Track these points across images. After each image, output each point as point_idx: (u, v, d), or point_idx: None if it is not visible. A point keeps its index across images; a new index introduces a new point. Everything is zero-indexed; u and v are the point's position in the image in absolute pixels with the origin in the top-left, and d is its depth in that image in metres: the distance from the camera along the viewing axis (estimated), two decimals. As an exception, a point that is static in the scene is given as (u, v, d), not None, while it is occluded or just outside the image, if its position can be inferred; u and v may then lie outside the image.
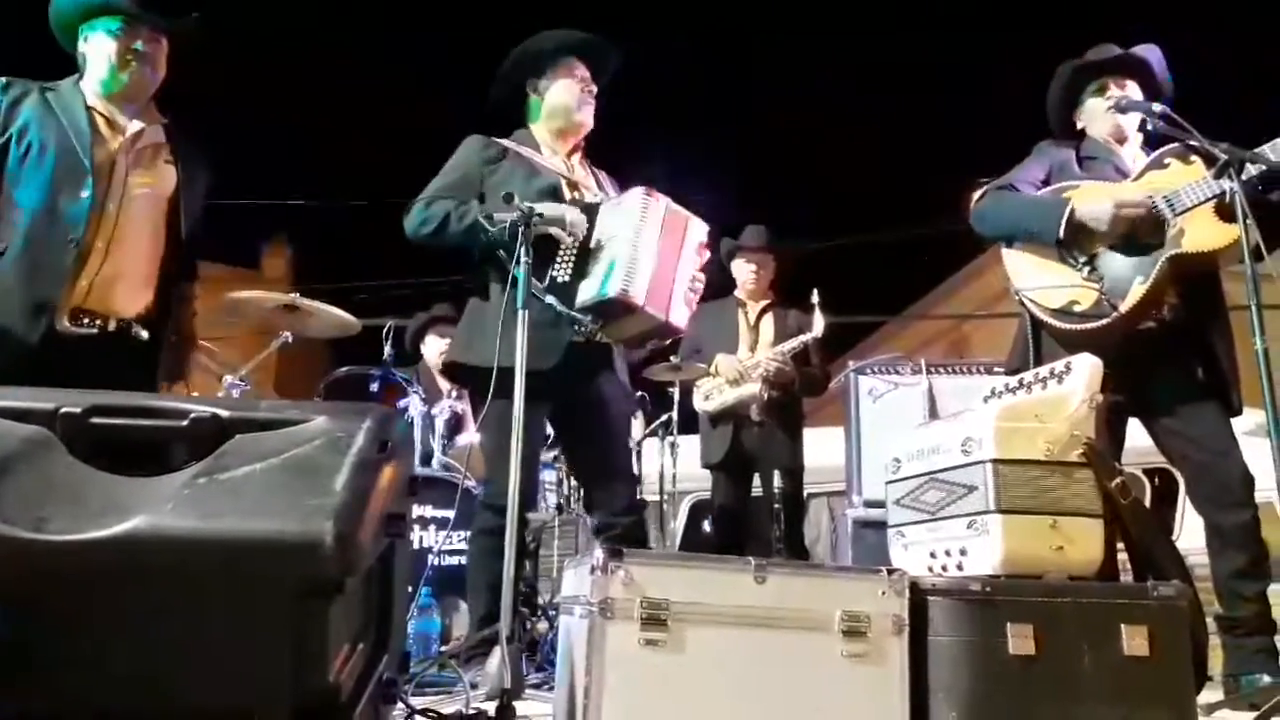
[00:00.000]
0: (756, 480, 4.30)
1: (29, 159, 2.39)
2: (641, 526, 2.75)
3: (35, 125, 2.42)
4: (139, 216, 2.47)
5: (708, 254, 2.74)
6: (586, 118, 2.85)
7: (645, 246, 2.55)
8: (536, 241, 2.44)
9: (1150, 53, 2.90)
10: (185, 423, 1.46)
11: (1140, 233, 2.66)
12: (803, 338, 4.24)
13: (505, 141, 2.85)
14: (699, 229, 2.70)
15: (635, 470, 2.87)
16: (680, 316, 2.64)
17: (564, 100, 2.85)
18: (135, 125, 2.52)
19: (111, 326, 2.41)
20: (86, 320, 2.39)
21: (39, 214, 2.36)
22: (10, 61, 2.55)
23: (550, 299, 2.56)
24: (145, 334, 2.47)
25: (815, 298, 4.25)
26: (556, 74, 2.86)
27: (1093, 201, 2.68)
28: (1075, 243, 2.71)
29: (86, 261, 2.37)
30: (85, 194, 2.37)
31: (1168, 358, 2.67)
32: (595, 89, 2.88)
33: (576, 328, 2.62)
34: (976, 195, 2.92)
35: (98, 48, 2.52)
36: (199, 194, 2.66)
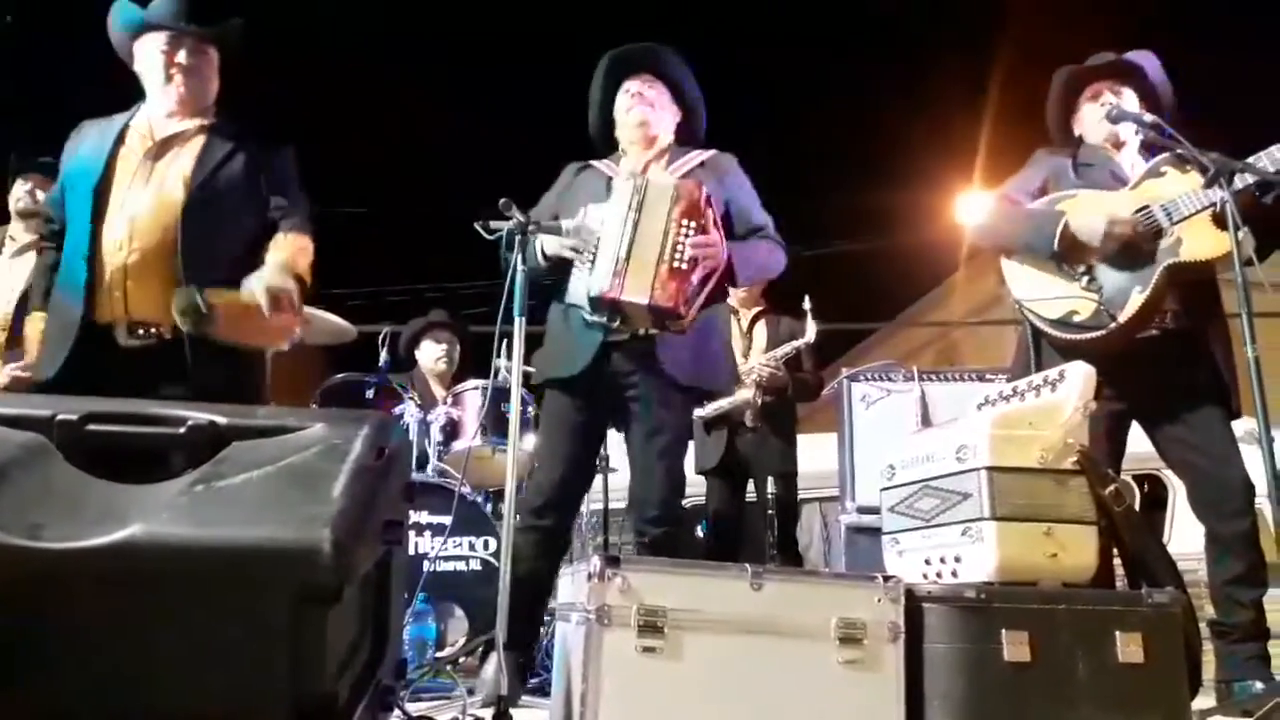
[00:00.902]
0: (750, 486, 4.31)
1: (69, 194, 2.47)
2: (671, 540, 2.63)
3: (79, 160, 2.48)
4: (157, 222, 2.41)
5: (703, 211, 2.61)
6: (640, 122, 2.87)
7: (622, 235, 2.55)
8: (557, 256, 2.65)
9: (1145, 59, 2.91)
10: (183, 430, 1.46)
11: (1138, 243, 2.66)
12: (795, 343, 4.25)
13: (594, 161, 2.93)
14: (680, 191, 2.60)
15: (677, 477, 2.73)
16: (669, 293, 2.54)
17: (620, 116, 2.93)
18: (171, 128, 2.51)
19: (168, 335, 2.36)
20: (141, 331, 2.36)
21: (73, 243, 2.42)
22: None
23: (578, 307, 2.64)
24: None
25: (807, 304, 4.26)
26: (612, 95, 2.95)
27: (1086, 216, 2.69)
28: (1071, 255, 2.72)
29: (109, 275, 2.35)
30: (87, 207, 2.38)
31: (1169, 365, 2.67)
32: (646, 92, 2.89)
33: (608, 328, 2.62)
34: (974, 207, 2.93)
35: (146, 66, 2.54)
36: (280, 174, 2.59)
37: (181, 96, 2.52)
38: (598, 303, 2.56)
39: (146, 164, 2.45)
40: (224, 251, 2.44)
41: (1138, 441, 2.79)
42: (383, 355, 4.12)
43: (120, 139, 2.49)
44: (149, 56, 2.53)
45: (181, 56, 2.51)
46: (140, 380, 2.26)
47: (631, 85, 2.90)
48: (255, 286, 2.28)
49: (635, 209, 2.58)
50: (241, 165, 2.52)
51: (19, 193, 3.46)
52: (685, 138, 2.97)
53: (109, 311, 2.36)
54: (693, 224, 2.56)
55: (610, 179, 2.77)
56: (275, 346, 2.53)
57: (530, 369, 2.76)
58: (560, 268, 2.69)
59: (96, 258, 2.37)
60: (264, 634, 1.30)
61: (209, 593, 1.31)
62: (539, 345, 2.86)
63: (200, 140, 2.51)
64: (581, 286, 2.61)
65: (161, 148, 2.48)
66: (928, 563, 2.18)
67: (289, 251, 2.44)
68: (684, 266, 2.55)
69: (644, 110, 2.86)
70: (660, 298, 2.53)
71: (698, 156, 2.87)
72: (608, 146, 2.98)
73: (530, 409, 3.57)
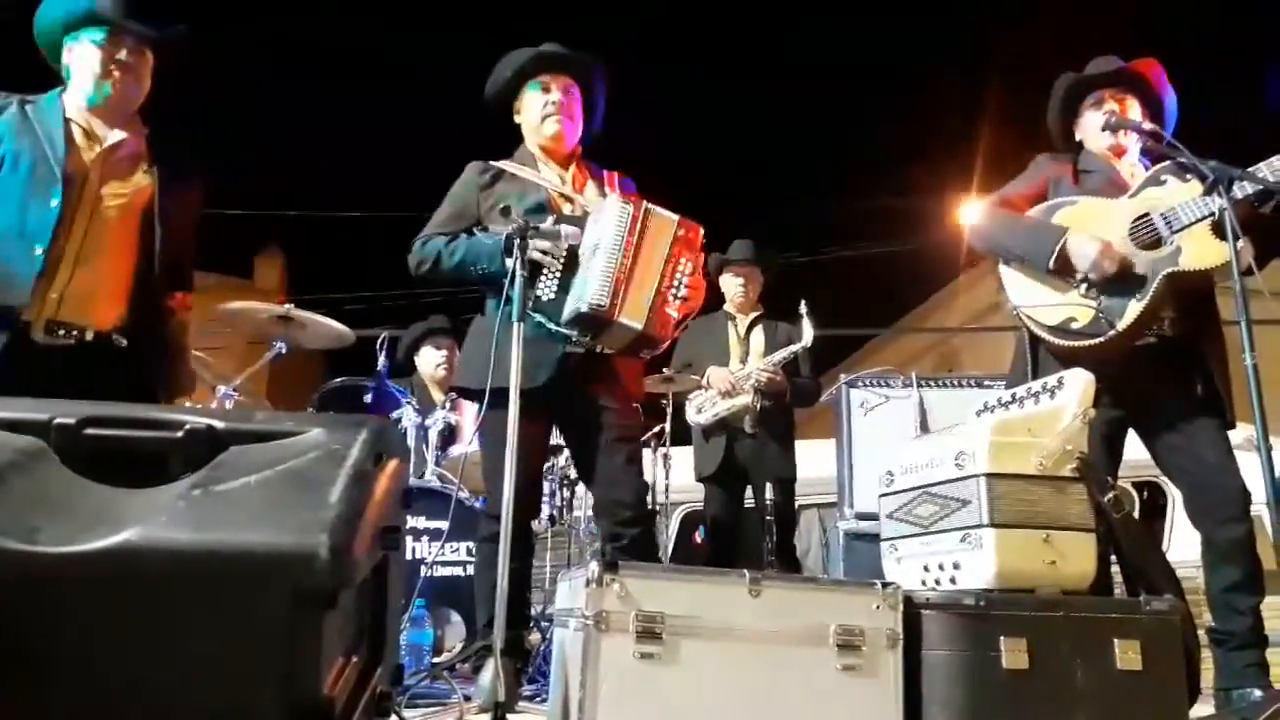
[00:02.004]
0: (748, 492, 4.30)
1: (2, 171, 2.37)
2: (650, 537, 2.72)
3: (10, 137, 2.39)
4: (111, 228, 2.41)
5: (699, 254, 2.69)
6: (556, 129, 2.86)
7: (620, 257, 2.55)
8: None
9: (1150, 68, 2.91)
10: (180, 434, 1.45)
11: (1130, 263, 2.66)
12: (792, 348, 4.25)
13: (502, 163, 2.88)
14: (684, 229, 2.66)
15: (644, 480, 2.80)
16: (661, 323, 2.60)
17: (532, 118, 2.89)
18: (114, 136, 2.48)
19: (89, 337, 2.37)
20: (62, 332, 2.34)
21: (8, 225, 2.33)
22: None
23: (539, 317, 2.58)
24: (124, 341, 2.42)
25: (804, 308, 4.26)
26: (523, 93, 2.92)
27: (1082, 240, 2.68)
28: (1067, 268, 2.72)
29: (56, 273, 2.33)
30: (54, 204, 2.33)
31: (1167, 373, 2.67)
32: (566, 101, 2.87)
33: (571, 341, 2.62)
34: (973, 210, 2.93)
35: (81, 58, 2.48)
36: (190, 205, 2.62)
37: (114, 96, 2.47)
38: (586, 317, 2.54)
39: (97, 170, 2.43)
40: (163, 267, 2.50)
41: (1137, 449, 2.79)
42: (381, 360, 4.13)
43: (68, 132, 2.42)
44: (83, 49, 2.47)
45: (122, 54, 2.46)
46: (49, 379, 2.23)
47: (553, 89, 2.88)
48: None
49: (634, 234, 2.59)
50: (185, 188, 2.59)
51: None
52: (583, 145, 2.99)
53: (35, 310, 2.32)
54: (689, 264, 2.65)
55: (548, 189, 2.79)
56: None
57: (459, 381, 2.81)
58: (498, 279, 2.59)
59: (52, 256, 2.32)
60: (260, 639, 1.30)
61: (205, 597, 1.30)
62: (472, 348, 2.85)
63: (144, 157, 2.53)
64: (550, 295, 2.60)
65: (109, 156, 2.46)
66: (926, 569, 2.17)
67: (181, 338, 2.66)
68: (677, 301, 2.62)
69: (562, 122, 2.86)
70: (653, 326, 2.58)
71: (613, 178, 2.93)
72: (504, 122, 2.98)
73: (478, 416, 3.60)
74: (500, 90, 2.95)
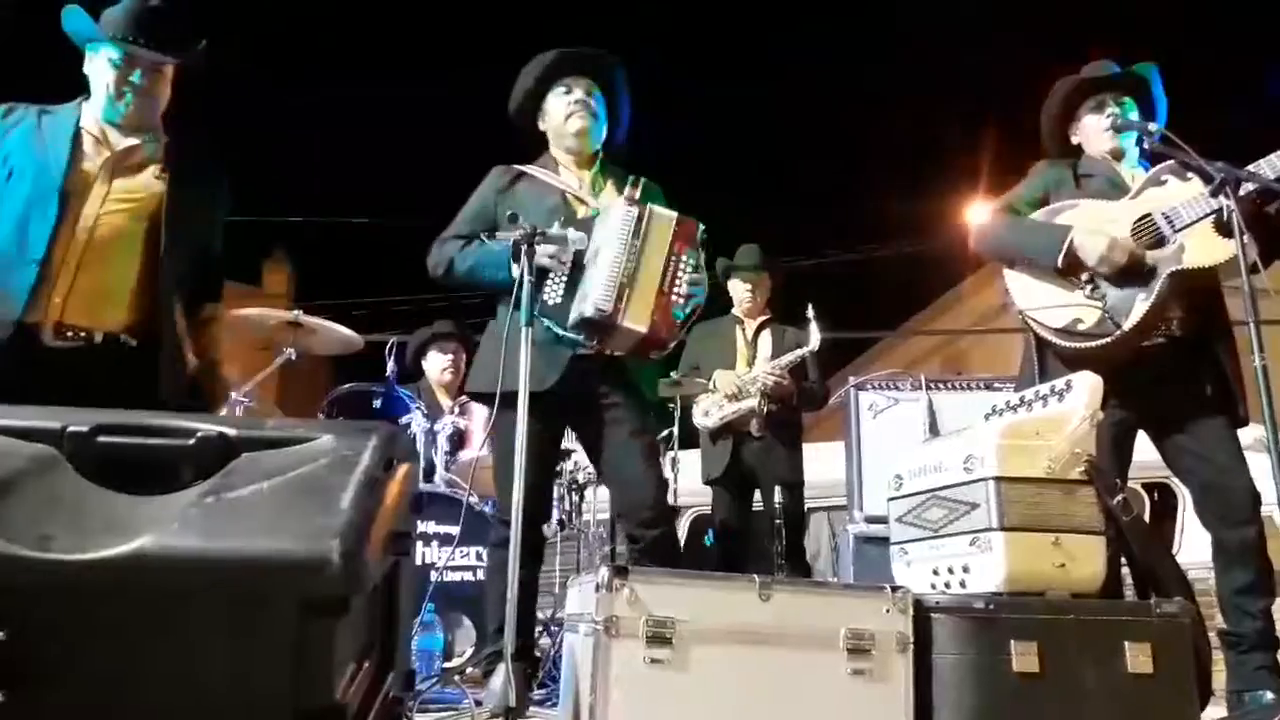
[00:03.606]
0: (757, 496, 4.30)
1: (10, 182, 2.38)
2: (670, 538, 2.70)
3: (20, 149, 2.40)
4: (118, 233, 2.41)
5: (698, 248, 2.67)
6: (580, 125, 2.86)
7: (623, 260, 2.56)
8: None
9: (1150, 72, 2.92)
10: (192, 441, 1.46)
11: (1139, 258, 2.66)
12: (799, 351, 4.24)
13: (524, 167, 2.90)
14: (681, 224, 2.65)
15: (663, 478, 2.79)
16: (666, 325, 2.59)
17: (555, 120, 2.90)
18: (127, 141, 2.48)
19: (98, 339, 2.38)
20: (70, 334, 2.35)
21: (8, 235, 2.34)
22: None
23: (547, 321, 2.58)
24: (134, 343, 2.42)
25: (811, 311, 4.25)
26: (547, 97, 2.92)
27: (1089, 236, 2.69)
28: (1074, 268, 2.72)
29: (56, 280, 2.33)
30: (52, 213, 2.34)
31: (1175, 373, 2.67)
32: (590, 101, 2.88)
33: (580, 345, 2.63)
34: (977, 216, 2.94)
35: (97, 74, 2.48)
36: (209, 209, 2.62)
37: (129, 115, 2.48)
38: (590, 322, 2.55)
39: (105, 176, 2.42)
40: (178, 273, 2.49)
41: (1147, 450, 2.79)
42: (390, 365, 4.14)
43: (76, 141, 2.43)
44: (100, 65, 2.47)
45: (135, 77, 2.45)
46: (61, 381, 2.23)
47: (576, 90, 2.88)
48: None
49: (638, 236, 2.59)
50: (198, 190, 2.56)
51: None
52: (609, 150, 2.98)
53: (40, 314, 2.33)
54: (690, 260, 2.63)
55: (564, 191, 2.80)
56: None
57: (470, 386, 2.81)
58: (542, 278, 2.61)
59: (50, 263, 2.33)
60: (272, 645, 1.30)
61: (217, 604, 1.31)
62: (483, 353, 2.85)
63: (158, 160, 2.50)
64: (557, 300, 2.59)
65: (119, 161, 2.45)
66: (936, 573, 2.17)
67: (211, 347, 2.67)
68: (680, 299, 2.60)
69: (586, 119, 2.86)
70: (658, 328, 2.57)
71: (640, 183, 2.88)
72: (529, 135, 2.97)
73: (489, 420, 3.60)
74: (525, 97, 2.95)
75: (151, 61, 2.47)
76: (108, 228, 2.40)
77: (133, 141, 2.49)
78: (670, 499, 4.78)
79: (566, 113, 2.86)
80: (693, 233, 2.66)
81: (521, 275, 2.42)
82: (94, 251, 2.38)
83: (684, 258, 2.63)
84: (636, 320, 2.55)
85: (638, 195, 2.73)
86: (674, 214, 2.67)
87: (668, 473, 4.86)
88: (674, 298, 2.60)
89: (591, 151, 2.92)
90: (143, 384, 2.37)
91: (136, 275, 2.44)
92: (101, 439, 1.46)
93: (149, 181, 2.48)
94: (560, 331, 2.61)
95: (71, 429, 1.44)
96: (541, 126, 2.96)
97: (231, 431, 1.48)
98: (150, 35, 2.45)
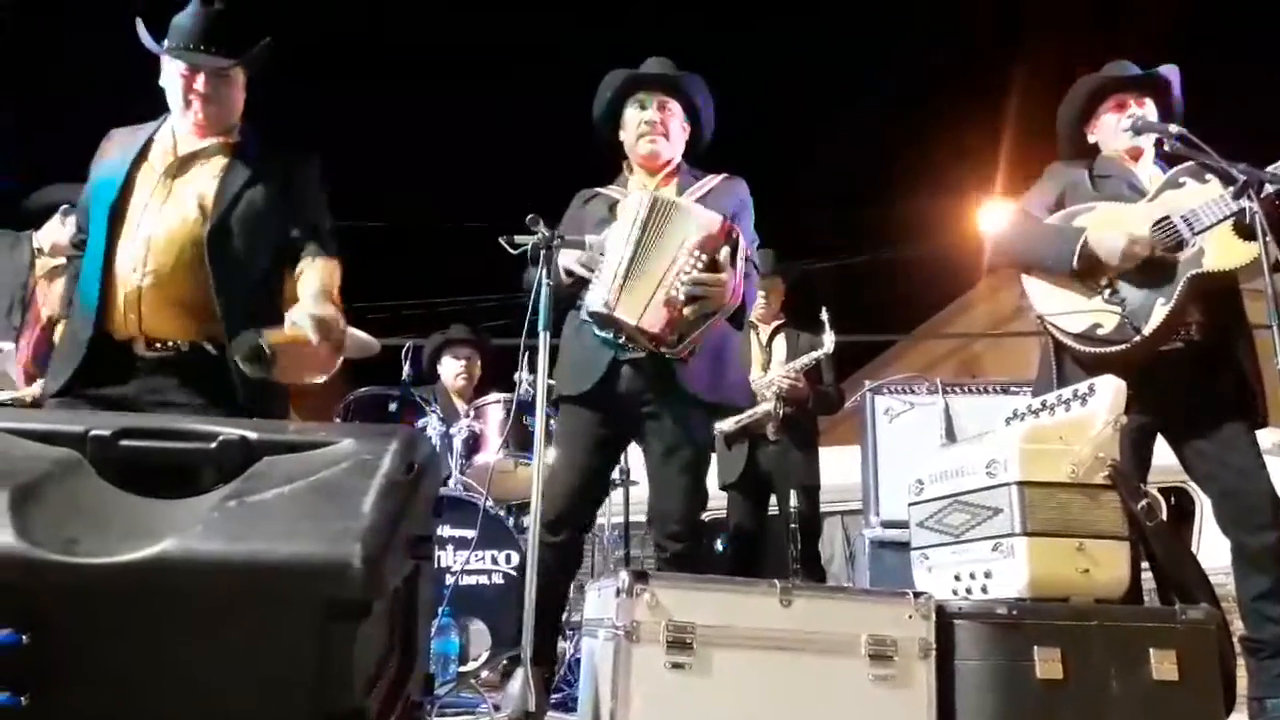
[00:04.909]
0: (772, 500, 4.29)
1: (93, 207, 2.42)
2: (693, 555, 2.62)
3: (103, 172, 2.43)
4: (177, 241, 2.35)
5: (724, 248, 2.56)
6: (650, 149, 2.85)
7: (623, 251, 2.53)
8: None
9: (1172, 73, 2.90)
10: (214, 445, 1.47)
11: (1159, 258, 2.65)
12: (814, 354, 4.23)
13: (600, 188, 2.92)
14: (716, 227, 2.56)
15: (697, 493, 2.69)
16: (666, 321, 2.49)
17: (629, 140, 2.93)
18: (192, 146, 2.46)
19: (185, 348, 2.35)
20: (159, 345, 2.34)
21: (90, 256, 2.38)
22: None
23: (585, 319, 2.61)
24: (215, 351, 2.35)
25: (825, 314, 4.24)
26: (624, 111, 2.95)
27: (1105, 233, 2.68)
28: (1091, 271, 2.70)
29: (127, 293, 2.31)
30: (104, 228, 2.35)
31: (1194, 378, 2.65)
32: (661, 120, 2.86)
33: (619, 346, 2.62)
34: (990, 220, 2.92)
35: (169, 84, 2.48)
36: (283, 197, 2.48)
37: (199, 122, 2.45)
38: (595, 315, 2.54)
39: (166, 182, 2.40)
40: (246, 274, 2.41)
41: (1164, 455, 2.77)
42: (406, 369, 4.15)
43: (143, 153, 2.43)
44: (171, 77, 2.47)
45: (200, 84, 2.42)
46: (157, 386, 2.28)
47: (649, 105, 2.87)
48: (300, 319, 2.22)
49: (641, 226, 2.53)
50: (265, 184, 2.46)
51: (57, 230, 3.29)
52: (691, 155, 2.95)
53: (124, 329, 2.33)
54: (704, 258, 2.52)
55: (615, 202, 2.78)
56: (321, 376, 2.43)
57: (554, 382, 2.75)
58: (580, 283, 2.67)
59: (110, 278, 2.33)
60: (293, 649, 1.30)
61: (240, 607, 1.31)
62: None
63: (222, 160, 2.45)
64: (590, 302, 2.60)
65: (182, 166, 2.43)
66: (957, 578, 2.16)
67: (323, 278, 2.41)
68: (680, 297, 2.50)
69: (656, 142, 2.84)
70: (648, 322, 2.48)
71: (710, 181, 2.85)
72: (613, 145, 2.98)
73: (553, 422, 3.58)
74: (604, 113, 2.98)
75: (214, 68, 2.44)
76: (166, 238, 2.35)
77: (196, 146, 2.46)
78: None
79: (637, 134, 2.87)
80: (714, 231, 2.54)
81: (539, 280, 2.41)
82: (157, 263, 2.33)
83: (697, 254, 2.51)
84: (628, 313, 2.48)
85: (694, 194, 2.73)
86: (697, 209, 2.60)
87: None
88: (674, 294, 2.50)
89: (661, 165, 2.89)
90: (225, 390, 2.33)
91: (207, 283, 2.35)
92: (124, 443, 1.46)
93: (207, 185, 2.42)
94: (598, 333, 2.62)
95: (94, 433, 1.45)
96: (622, 136, 2.97)
97: (253, 435, 1.49)
98: (211, 41, 2.41)
